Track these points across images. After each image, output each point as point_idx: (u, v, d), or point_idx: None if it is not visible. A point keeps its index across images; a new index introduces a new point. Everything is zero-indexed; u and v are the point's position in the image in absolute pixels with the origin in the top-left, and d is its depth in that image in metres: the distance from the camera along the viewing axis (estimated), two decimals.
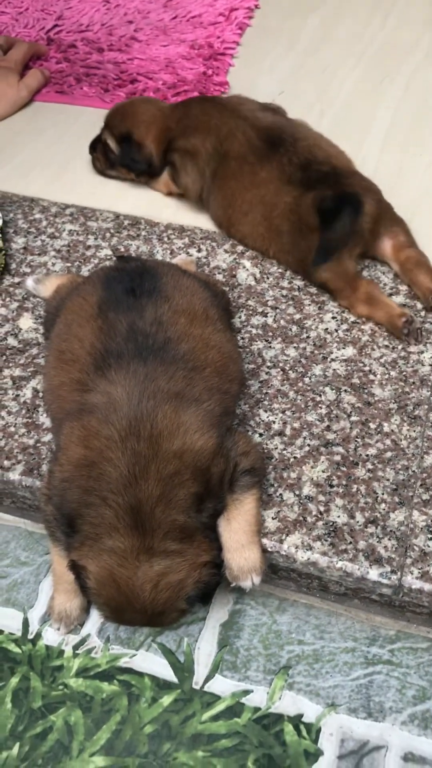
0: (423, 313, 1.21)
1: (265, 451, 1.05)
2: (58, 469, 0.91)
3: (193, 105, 1.40)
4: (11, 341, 1.20)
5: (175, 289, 1.05)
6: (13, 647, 1.04)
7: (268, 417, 1.09)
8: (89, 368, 0.96)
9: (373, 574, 0.94)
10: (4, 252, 1.30)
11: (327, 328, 1.20)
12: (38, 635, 1.05)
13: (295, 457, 1.04)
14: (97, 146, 1.46)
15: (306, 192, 1.20)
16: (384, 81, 1.69)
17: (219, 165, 1.31)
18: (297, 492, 1.01)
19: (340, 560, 0.95)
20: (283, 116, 1.40)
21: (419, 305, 1.22)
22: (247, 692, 0.99)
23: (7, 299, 1.27)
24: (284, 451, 1.05)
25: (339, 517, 0.98)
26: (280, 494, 1.01)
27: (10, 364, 1.17)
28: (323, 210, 1.18)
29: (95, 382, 0.94)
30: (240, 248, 1.33)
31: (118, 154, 1.42)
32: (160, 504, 0.86)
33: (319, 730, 0.96)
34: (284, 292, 1.25)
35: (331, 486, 1.01)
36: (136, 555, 0.85)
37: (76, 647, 1.03)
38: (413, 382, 1.12)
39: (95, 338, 0.98)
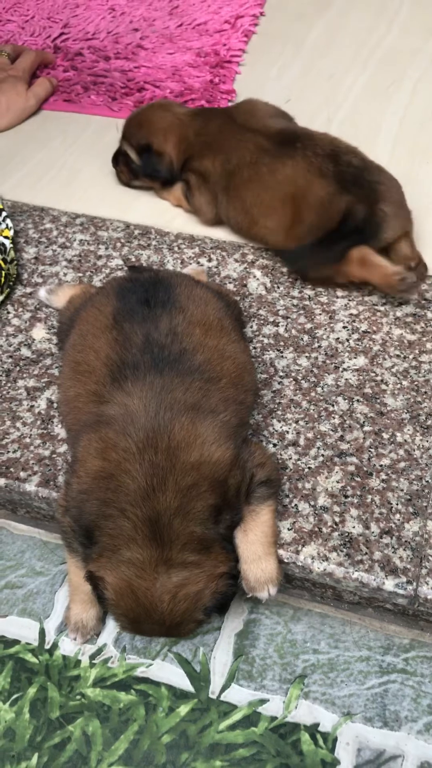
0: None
1: (280, 461, 1.05)
2: (76, 480, 0.92)
3: (213, 120, 1.38)
4: (25, 352, 1.21)
5: (189, 299, 1.06)
6: (30, 657, 1.04)
7: (281, 427, 1.10)
8: (105, 380, 0.97)
9: (389, 584, 0.94)
10: (15, 262, 1.31)
11: (338, 338, 1.20)
12: (55, 645, 1.05)
13: (309, 468, 1.05)
14: (119, 159, 1.45)
15: (342, 192, 1.21)
16: (390, 87, 1.70)
17: (229, 179, 1.31)
18: (312, 503, 1.02)
19: (356, 571, 0.95)
20: (293, 122, 1.41)
21: None
22: (263, 701, 1.00)
23: (20, 309, 1.27)
24: (298, 462, 1.06)
25: (354, 527, 0.99)
26: (296, 505, 1.01)
27: (24, 375, 1.17)
28: (347, 219, 1.19)
29: (112, 393, 0.95)
30: (250, 257, 1.34)
31: (140, 164, 1.41)
32: (178, 516, 0.86)
33: (335, 740, 0.97)
34: (295, 301, 1.26)
35: (346, 496, 1.02)
36: (154, 566, 0.86)
37: (92, 657, 1.04)
38: (425, 392, 1.13)
39: (111, 349, 0.99)
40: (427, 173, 1.49)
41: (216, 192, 1.34)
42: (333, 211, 1.21)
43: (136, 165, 1.42)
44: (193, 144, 1.36)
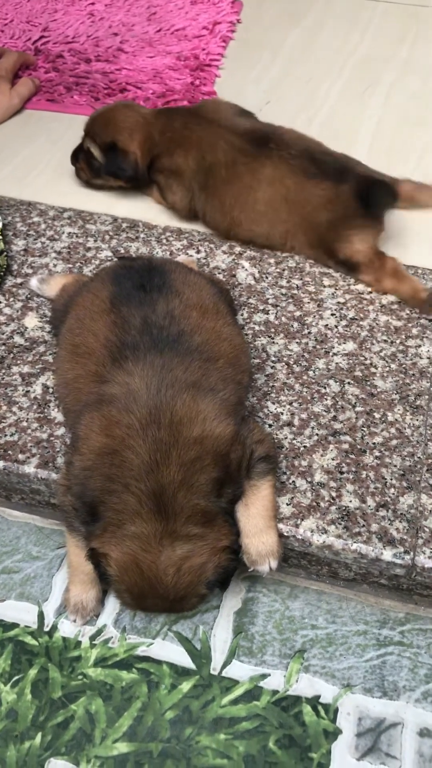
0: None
1: (276, 441, 1.08)
2: (79, 458, 0.93)
3: (176, 117, 1.41)
4: (18, 339, 1.21)
5: (185, 284, 1.08)
6: (29, 639, 1.04)
7: (276, 408, 1.12)
8: (105, 361, 0.98)
9: (387, 554, 0.97)
10: (5, 254, 1.31)
11: (327, 324, 1.23)
12: (54, 627, 1.05)
13: (305, 446, 1.07)
14: (79, 156, 1.46)
15: (337, 183, 1.26)
16: (366, 92, 1.75)
17: (206, 177, 1.34)
18: (309, 479, 1.04)
19: (355, 542, 0.98)
20: (256, 120, 1.44)
21: None
22: (264, 676, 1.01)
23: (11, 299, 1.28)
24: (294, 441, 1.08)
25: (351, 501, 1.02)
26: (293, 481, 1.04)
27: (19, 362, 1.18)
28: (365, 197, 1.25)
29: (112, 373, 0.96)
30: (238, 249, 1.36)
31: (103, 162, 1.42)
32: (182, 489, 0.88)
33: (336, 710, 0.98)
34: (283, 290, 1.29)
35: (342, 473, 1.04)
36: (159, 539, 0.87)
37: (92, 638, 1.04)
38: (413, 374, 1.16)
39: (109, 332, 1.00)
40: (404, 173, 1.54)
41: (192, 188, 1.37)
42: (343, 199, 1.25)
43: (99, 163, 1.42)
44: (158, 142, 1.38)
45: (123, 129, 1.39)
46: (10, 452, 1.06)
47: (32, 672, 1.01)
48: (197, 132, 1.36)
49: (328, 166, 1.28)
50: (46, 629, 1.05)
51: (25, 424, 1.10)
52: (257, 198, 1.31)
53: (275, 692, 1.00)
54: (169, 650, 1.03)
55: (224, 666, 1.02)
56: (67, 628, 1.05)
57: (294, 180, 1.28)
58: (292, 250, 1.35)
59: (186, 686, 1.00)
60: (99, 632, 1.05)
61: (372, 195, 1.25)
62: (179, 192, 1.39)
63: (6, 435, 1.08)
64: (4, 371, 1.17)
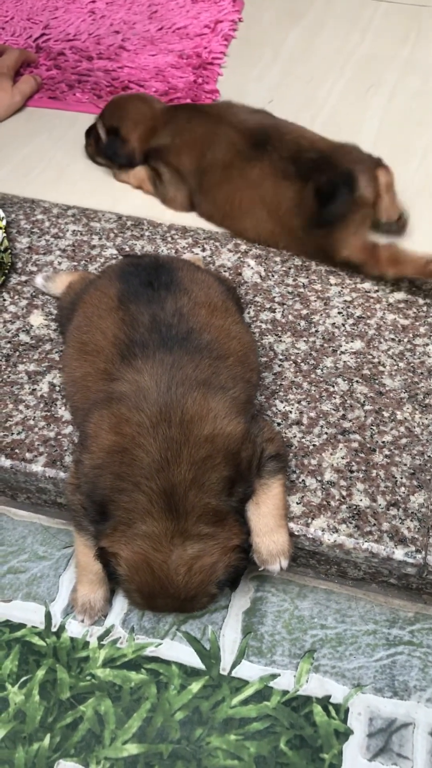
0: None
1: (285, 439, 1.07)
2: (88, 456, 0.92)
3: (181, 112, 1.44)
4: (23, 337, 1.20)
5: (193, 282, 1.07)
6: (37, 640, 1.03)
7: (284, 407, 1.11)
8: (114, 358, 0.97)
9: (399, 554, 0.96)
10: (9, 251, 1.30)
11: (334, 323, 1.23)
12: (62, 628, 1.04)
13: (314, 445, 1.07)
14: (92, 133, 1.51)
15: (305, 184, 1.25)
16: (369, 91, 1.75)
17: (203, 177, 1.36)
18: (319, 478, 1.03)
19: (366, 542, 0.97)
20: (270, 116, 1.44)
21: None
22: (274, 676, 1.00)
23: (16, 297, 1.27)
24: (303, 439, 1.07)
25: (361, 500, 1.01)
26: (303, 480, 1.03)
27: (24, 360, 1.17)
28: (321, 195, 1.24)
29: (121, 371, 0.95)
30: (244, 247, 1.36)
31: (105, 143, 1.46)
32: (193, 487, 0.87)
33: (347, 711, 0.98)
34: (290, 288, 1.28)
35: (351, 471, 1.04)
36: (170, 538, 0.86)
37: (100, 638, 1.04)
38: (421, 373, 1.16)
39: (118, 329, 0.99)
40: (407, 171, 1.54)
41: (191, 185, 1.39)
42: (310, 201, 1.25)
43: (102, 143, 1.47)
44: (161, 132, 1.40)
45: (129, 118, 1.43)
46: (17, 451, 1.05)
47: (40, 673, 1.00)
48: (200, 128, 1.37)
49: (306, 167, 1.27)
50: (54, 629, 1.04)
51: (32, 422, 1.09)
52: (243, 198, 1.32)
53: (285, 692, 0.99)
54: (178, 650, 1.03)
55: (234, 666, 1.01)
56: (75, 629, 1.05)
57: (271, 182, 1.28)
58: (288, 249, 1.35)
59: (195, 687, 0.99)
60: (107, 632, 1.04)
61: (329, 197, 1.24)
62: (182, 190, 1.41)
63: (13, 433, 1.07)
64: (10, 369, 1.16)
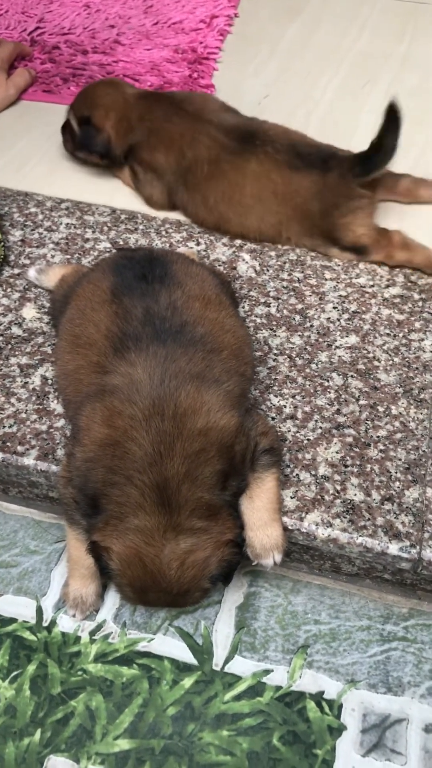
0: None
1: (279, 433, 1.06)
2: (80, 449, 0.91)
3: (157, 107, 1.40)
4: (16, 330, 1.19)
5: (187, 275, 1.06)
6: (28, 635, 1.02)
7: (278, 402, 1.11)
8: (107, 351, 0.96)
9: (393, 548, 0.96)
10: (2, 244, 1.29)
11: (329, 318, 1.22)
12: (53, 622, 1.04)
13: (308, 439, 1.06)
14: (66, 128, 1.47)
15: (324, 172, 1.26)
16: (365, 87, 1.74)
17: (186, 174, 1.34)
18: (313, 472, 1.03)
19: (360, 536, 0.96)
20: (243, 116, 1.43)
21: None
22: (267, 672, 0.99)
23: (8, 290, 1.26)
24: (297, 434, 1.07)
25: (356, 495, 1.00)
26: (297, 474, 1.02)
27: (17, 353, 1.16)
28: (357, 174, 1.25)
29: (114, 364, 0.94)
30: (238, 242, 1.35)
31: (79, 135, 1.42)
32: (186, 481, 0.86)
33: (341, 706, 0.97)
34: (285, 283, 1.28)
35: (346, 466, 1.03)
36: (162, 533, 0.85)
37: (92, 633, 1.03)
38: (416, 368, 1.15)
39: (111, 322, 0.98)
40: (405, 168, 1.53)
41: (171, 184, 1.37)
42: (331, 185, 1.26)
43: (77, 137, 1.43)
44: (136, 128, 1.37)
45: (99, 106, 1.39)
46: (8, 444, 1.04)
47: (31, 668, 0.99)
48: (179, 126, 1.35)
49: (313, 158, 1.28)
50: (45, 624, 1.03)
51: (24, 415, 1.08)
52: (244, 193, 1.30)
53: (278, 688, 0.98)
54: (170, 645, 1.02)
55: (226, 661, 1.00)
56: (66, 623, 1.04)
57: (280, 174, 1.28)
58: (288, 241, 1.34)
59: (188, 682, 0.99)
60: (99, 627, 1.03)
61: (363, 162, 1.25)
62: (158, 188, 1.39)
63: (4, 426, 1.06)
64: (1, 362, 1.15)
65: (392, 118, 1.21)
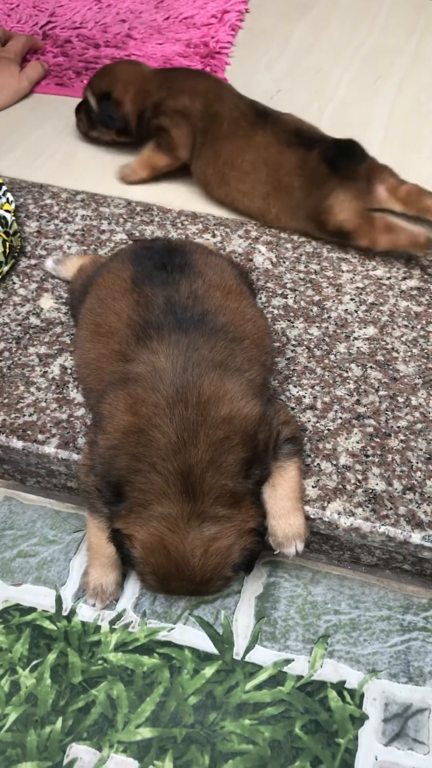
0: None
1: (299, 423, 1.06)
2: (104, 437, 0.90)
3: (176, 72, 1.46)
4: (34, 320, 1.19)
5: (207, 265, 1.06)
6: (47, 624, 1.02)
7: (298, 392, 1.10)
8: (129, 340, 0.96)
9: (416, 537, 0.96)
10: (18, 234, 1.29)
11: (347, 309, 1.22)
12: (73, 612, 1.03)
13: (328, 429, 1.06)
14: (81, 108, 1.49)
15: (308, 150, 1.28)
16: (377, 82, 1.74)
17: (210, 124, 1.35)
18: (334, 462, 1.02)
19: (383, 525, 0.96)
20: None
21: None
22: (288, 661, 0.99)
23: (26, 280, 1.26)
24: (317, 424, 1.07)
25: (377, 484, 1.00)
26: (318, 464, 1.02)
27: (35, 342, 1.16)
28: (329, 159, 1.26)
29: (137, 352, 0.94)
30: (254, 233, 1.35)
31: (98, 110, 1.44)
32: (210, 469, 0.86)
33: (362, 696, 0.97)
34: (301, 275, 1.28)
35: (367, 456, 1.03)
36: (187, 520, 0.85)
37: (112, 623, 1.02)
38: None
39: (132, 311, 0.98)
40: (418, 160, 1.54)
41: (197, 126, 1.37)
42: (312, 163, 1.27)
43: (95, 113, 1.45)
44: (156, 94, 1.40)
45: (119, 80, 1.42)
46: (29, 432, 1.04)
47: (51, 657, 0.99)
48: (203, 84, 1.39)
49: (309, 139, 1.31)
50: (65, 614, 1.03)
51: (43, 404, 1.08)
52: (245, 159, 1.33)
53: (300, 677, 0.98)
54: (190, 635, 1.02)
55: (247, 651, 1.00)
56: (86, 613, 1.03)
57: (276, 148, 1.31)
58: (278, 220, 1.35)
59: (209, 671, 0.98)
60: (119, 617, 1.03)
61: (338, 155, 1.26)
62: (186, 130, 1.38)
63: (24, 415, 1.06)
64: (20, 352, 1.14)
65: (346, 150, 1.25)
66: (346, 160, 1.26)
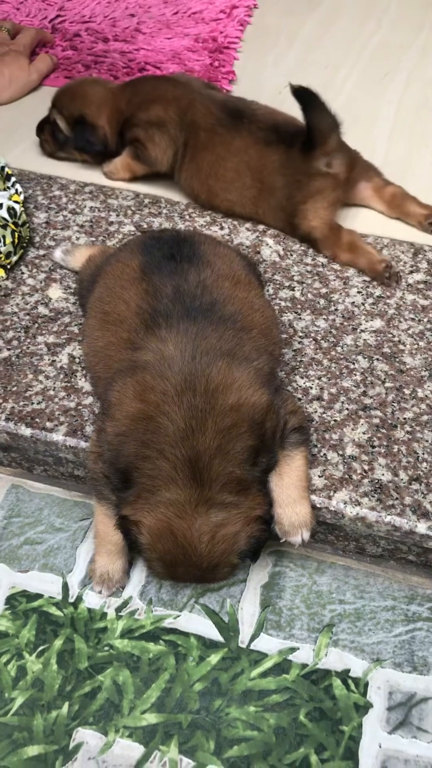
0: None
1: (306, 413, 1.07)
2: (112, 424, 0.91)
3: (143, 83, 1.41)
4: (42, 310, 1.20)
5: (215, 255, 1.06)
6: (54, 610, 1.03)
7: (305, 383, 1.11)
8: (138, 328, 0.97)
9: (421, 527, 0.96)
10: (27, 225, 1.30)
11: (354, 302, 1.23)
12: (79, 598, 1.04)
13: (335, 420, 1.06)
14: (44, 128, 1.44)
15: (289, 147, 1.27)
16: (385, 78, 1.75)
17: (189, 135, 1.33)
18: (340, 452, 1.03)
19: (389, 515, 0.97)
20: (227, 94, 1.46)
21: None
22: (293, 649, 1.00)
23: (34, 270, 1.26)
24: (324, 415, 1.07)
25: (383, 475, 1.01)
26: (324, 454, 1.03)
27: (44, 332, 1.16)
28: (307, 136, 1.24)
29: (145, 340, 0.95)
30: (261, 227, 1.35)
31: (71, 136, 1.41)
32: (218, 456, 0.86)
33: (366, 684, 0.97)
34: (308, 268, 1.28)
35: (373, 447, 1.04)
36: (194, 506, 0.85)
37: (118, 610, 1.03)
38: None
39: (141, 300, 0.99)
40: (425, 156, 1.54)
41: (177, 138, 1.34)
42: (294, 160, 1.26)
43: (64, 136, 1.41)
44: (126, 110, 1.36)
45: (91, 102, 1.38)
46: (37, 420, 1.05)
47: (58, 642, 1.00)
48: (172, 91, 1.35)
49: (288, 134, 1.29)
50: (71, 600, 1.04)
51: (51, 392, 1.08)
52: (227, 167, 1.32)
53: (304, 666, 0.99)
54: (196, 623, 1.02)
55: (252, 639, 1.01)
56: (93, 600, 1.04)
57: (256, 149, 1.29)
58: (265, 218, 1.35)
59: (214, 658, 0.99)
60: (125, 604, 1.04)
61: (312, 124, 1.23)
62: (162, 142, 1.35)
63: (33, 403, 1.07)
64: (29, 340, 1.15)
65: (306, 100, 1.21)
66: (314, 144, 1.23)
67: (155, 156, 1.37)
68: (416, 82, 1.73)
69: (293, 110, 1.37)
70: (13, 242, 1.23)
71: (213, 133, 1.31)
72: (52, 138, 1.44)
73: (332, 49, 1.84)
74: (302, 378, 1.12)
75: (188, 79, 1.43)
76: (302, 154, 1.25)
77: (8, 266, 1.25)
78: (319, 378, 1.12)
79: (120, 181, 1.44)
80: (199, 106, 1.33)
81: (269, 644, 1.00)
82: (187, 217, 1.37)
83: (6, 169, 1.32)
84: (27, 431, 1.04)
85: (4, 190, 1.30)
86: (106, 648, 0.99)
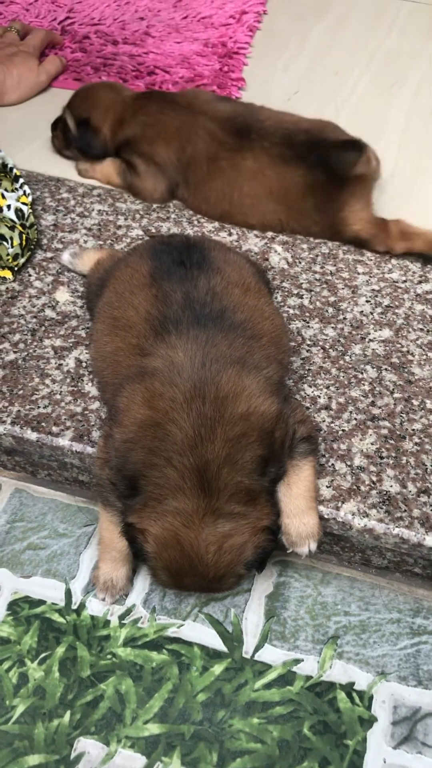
0: None
1: (314, 423, 1.06)
2: (120, 430, 0.90)
3: (150, 101, 1.40)
4: (49, 313, 1.19)
5: (225, 262, 1.06)
6: (57, 617, 1.02)
7: (313, 392, 1.10)
8: (147, 334, 0.96)
9: (430, 540, 0.95)
10: (35, 227, 1.29)
11: (362, 311, 1.22)
12: (82, 605, 1.03)
13: (343, 430, 1.06)
14: (58, 125, 1.46)
15: (312, 167, 1.26)
16: (394, 86, 1.74)
17: (188, 171, 1.33)
18: (348, 463, 1.02)
19: (397, 527, 0.96)
20: (237, 102, 1.43)
21: None
22: (297, 661, 0.99)
23: (41, 273, 1.25)
24: (332, 424, 1.06)
25: (391, 486, 1.00)
26: (332, 464, 1.02)
27: (50, 335, 1.16)
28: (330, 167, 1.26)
29: (154, 347, 0.94)
30: (270, 233, 1.35)
31: (76, 136, 1.42)
32: (226, 465, 0.86)
33: (371, 698, 0.96)
34: (317, 276, 1.27)
35: (381, 457, 1.03)
36: (202, 516, 0.85)
37: (121, 617, 1.02)
38: None
39: (150, 306, 0.98)
40: None
41: (173, 180, 1.36)
42: (320, 181, 1.26)
43: (72, 135, 1.43)
44: (130, 123, 1.37)
45: (99, 107, 1.39)
46: (43, 424, 1.04)
47: (60, 650, 0.99)
48: (174, 119, 1.34)
49: (303, 147, 1.27)
50: (74, 607, 1.03)
51: (58, 396, 1.07)
52: (243, 193, 1.31)
53: (309, 678, 0.98)
54: (200, 632, 1.01)
55: (256, 650, 1.00)
56: (96, 607, 1.03)
57: (274, 170, 1.28)
58: (297, 232, 1.35)
59: (218, 669, 0.98)
60: (128, 612, 1.03)
61: (335, 160, 1.25)
62: (161, 182, 1.37)
63: (39, 407, 1.06)
64: (35, 344, 1.14)
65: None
66: (344, 162, 1.25)
67: (152, 188, 1.38)
68: (426, 90, 1.73)
69: (302, 115, 1.38)
70: (20, 244, 1.22)
71: (217, 160, 1.30)
72: (63, 135, 1.45)
73: (342, 56, 1.83)
74: (310, 387, 1.11)
75: (194, 97, 1.40)
76: (328, 171, 1.26)
77: (15, 268, 1.24)
78: (327, 387, 1.11)
79: (91, 179, 1.45)
80: (201, 133, 1.32)
81: (273, 655, 0.99)
82: (195, 222, 1.36)
83: (14, 171, 1.31)
84: (33, 435, 1.03)
85: (13, 191, 1.29)
86: (109, 656, 0.98)
